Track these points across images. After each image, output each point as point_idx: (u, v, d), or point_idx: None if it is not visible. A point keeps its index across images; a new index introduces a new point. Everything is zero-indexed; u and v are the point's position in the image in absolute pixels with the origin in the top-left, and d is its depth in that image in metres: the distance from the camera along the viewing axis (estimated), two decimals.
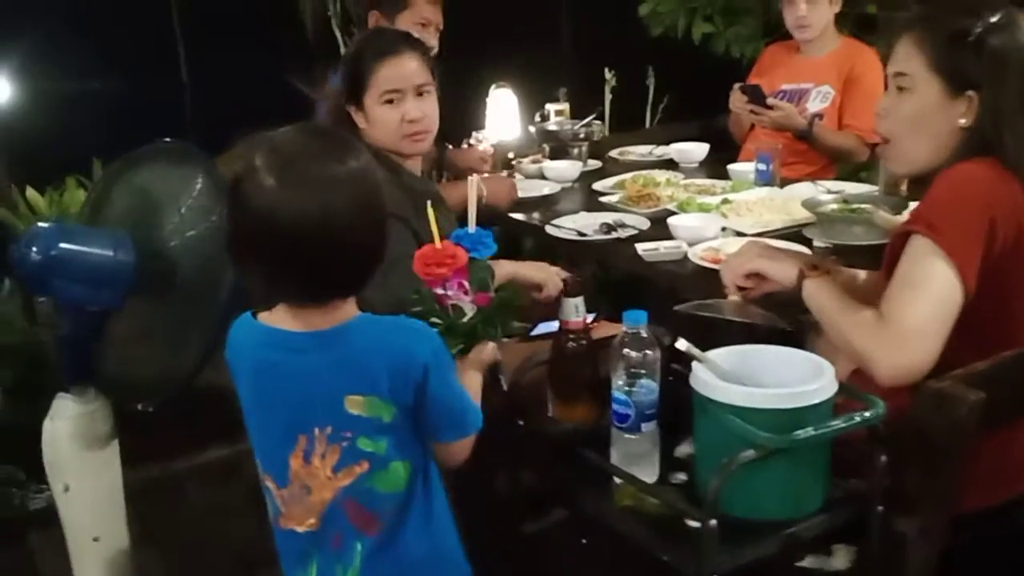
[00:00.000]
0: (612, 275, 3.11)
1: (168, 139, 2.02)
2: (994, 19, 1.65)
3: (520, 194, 2.99)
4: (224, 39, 4.35)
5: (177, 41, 4.51)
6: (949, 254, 1.57)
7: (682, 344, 1.50)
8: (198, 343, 1.82)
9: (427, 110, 2.23)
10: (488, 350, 1.61)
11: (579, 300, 1.68)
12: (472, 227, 1.73)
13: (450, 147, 3.28)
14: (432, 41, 2.94)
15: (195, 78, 4.52)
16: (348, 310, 1.44)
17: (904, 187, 2.59)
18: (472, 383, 1.56)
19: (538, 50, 4.83)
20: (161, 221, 1.88)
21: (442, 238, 1.59)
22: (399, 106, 2.20)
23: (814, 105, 3.35)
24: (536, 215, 2.90)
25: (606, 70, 4.12)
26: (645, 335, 1.53)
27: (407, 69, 2.20)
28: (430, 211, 1.62)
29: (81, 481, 1.93)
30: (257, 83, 3.95)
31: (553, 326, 1.76)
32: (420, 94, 2.22)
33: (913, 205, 2.26)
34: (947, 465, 1.51)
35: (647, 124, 4.43)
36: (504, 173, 3.32)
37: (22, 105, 3.71)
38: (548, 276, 2.23)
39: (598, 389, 1.63)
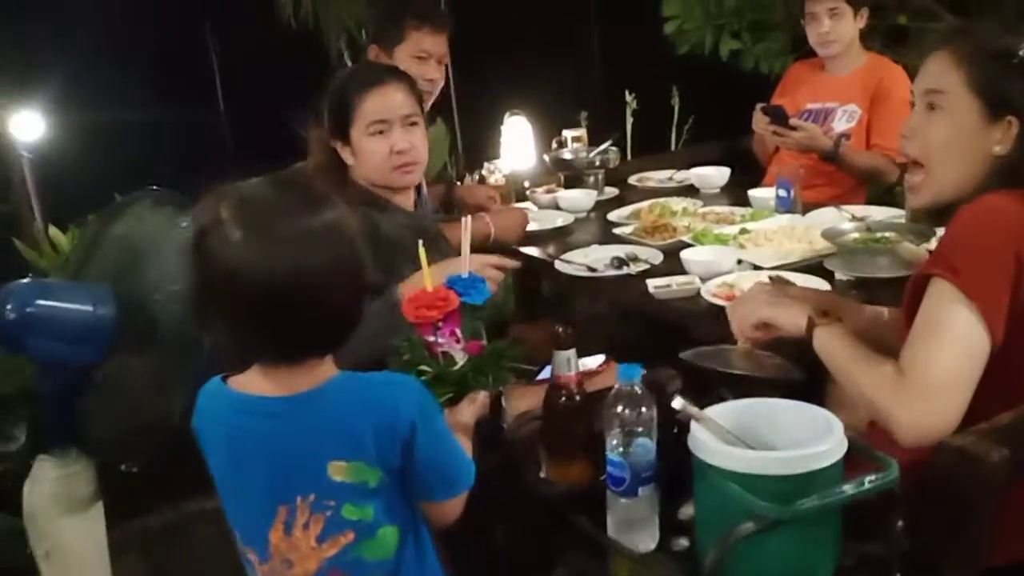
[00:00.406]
0: (623, 311, 2.99)
1: (155, 187, 1.97)
2: None
3: (533, 226, 2.89)
4: (259, 69, 4.33)
5: (215, 73, 4.51)
6: (973, 299, 1.44)
7: (678, 403, 1.40)
8: (181, 398, 1.75)
9: (415, 141, 2.21)
10: (477, 404, 1.54)
11: (571, 353, 1.59)
12: (466, 270, 1.67)
13: (459, 184, 3.20)
14: (432, 74, 2.84)
15: (232, 110, 4.53)
16: (326, 370, 1.36)
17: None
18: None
19: (560, 73, 4.76)
20: (144, 273, 1.84)
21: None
22: (387, 137, 2.18)
23: (840, 125, 3.22)
24: (550, 248, 2.78)
25: (627, 92, 4.03)
26: (640, 391, 1.45)
27: (393, 100, 2.18)
28: (422, 251, 1.56)
29: (61, 547, 1.88)
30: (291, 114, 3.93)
31: None
32: (408, 125, 2.19)
33: (940, 232, 2.14)
34: (972, 527, 1.41)
35: (672, 146, 4.34)
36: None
37: (59, 140, 3.70)
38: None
39: (593, 447, 1.54)
